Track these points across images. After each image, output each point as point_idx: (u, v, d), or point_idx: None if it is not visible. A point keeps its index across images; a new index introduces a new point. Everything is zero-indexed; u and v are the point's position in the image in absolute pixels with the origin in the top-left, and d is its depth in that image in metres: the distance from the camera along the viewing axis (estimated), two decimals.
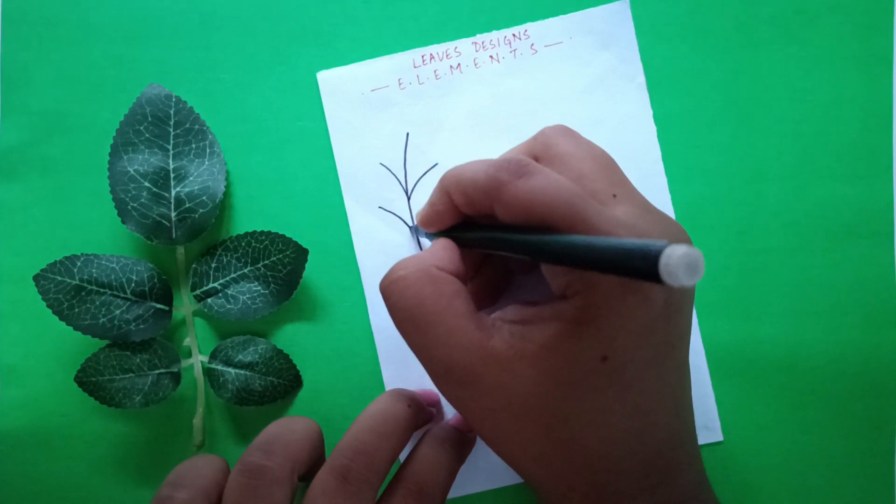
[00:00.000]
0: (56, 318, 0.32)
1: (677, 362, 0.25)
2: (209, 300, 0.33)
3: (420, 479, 0.26)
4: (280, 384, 0.34)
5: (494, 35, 0.35)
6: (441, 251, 0.26)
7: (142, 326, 0.32)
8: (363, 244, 0.34)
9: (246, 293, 0.33)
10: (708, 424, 0.34)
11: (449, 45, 0.35)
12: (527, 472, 0.26)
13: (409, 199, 0.35)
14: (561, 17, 0.34)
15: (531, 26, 0.34)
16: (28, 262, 0.34)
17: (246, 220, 0.35)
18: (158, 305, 0.33)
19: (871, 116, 0.34)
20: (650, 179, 0.34)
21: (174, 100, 0.33)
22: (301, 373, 0.34)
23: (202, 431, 0.33)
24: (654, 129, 0.34)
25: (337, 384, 0.34)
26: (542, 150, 0.26)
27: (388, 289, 0.26)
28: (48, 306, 0.31)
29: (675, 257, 0.15)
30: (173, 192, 0.33)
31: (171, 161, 0.33)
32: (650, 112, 0.34)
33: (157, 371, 0.33)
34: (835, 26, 0.34)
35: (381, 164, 0.35)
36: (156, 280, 0.33)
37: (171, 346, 0.34)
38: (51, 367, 0.34)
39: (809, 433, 0.33)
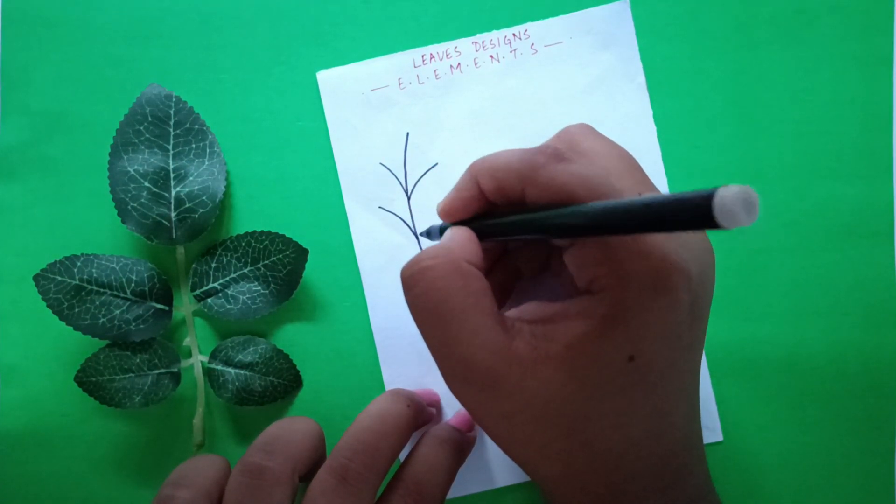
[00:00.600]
0: (56, 318, 0.32)
1: (693, 366, 0.25)
2: (209, 300, 0.33)
3: (419, 480, 0.26)
4: (280, 384, 0.34)
5: (494, 35, 0.35)
6: (467, 243, 0.25)
7: (142, 326, 0.32)
8: (363, 244, 0.34)
9: (246, 293, 0.33)
10: (708, 424, 0.34)
11: (449, 45, 0.35)
12: (540, 473, 0.25)
13: (409, 199, 0.35)
14: (561, 17, 0.34)
15: (531, 26, 0.34)
16: (28, 262, 0.34)
17: (246, 220, 0.35)
18: (158, 305, 0.33)
19: (871, 116, 0.34)
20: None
21: (174, 100, 0.33)
22: (301, 373, 0.34)
23: (202, 431, 0.33)
24: (654, 129, 0.34)
25: (337, 384, 0.34)
26: (568, 146, 0.26)
27: (414, 278, 0.24)
28: (48, 306, 0.31)
29: (729, 196, 0.14)
30: (173, 192, 0.33)
31: (171, 161, 0.33)
32: (650, 112, 0.34)
33: (157, 371, 0.33)
34: (835, 26, 0.34)
35: (381, 164, 0.35)
36: (156, 280, 0.33)
37: (171, 346, 0.34)
38: (51, 367, 0.34)
39: (809, 433, 0.33)
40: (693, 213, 0.15)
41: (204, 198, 0.33)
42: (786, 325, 0.34)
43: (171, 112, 0.33)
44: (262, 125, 0.35)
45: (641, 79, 0.34)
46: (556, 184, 0.22)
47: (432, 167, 0.35)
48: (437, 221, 0.32)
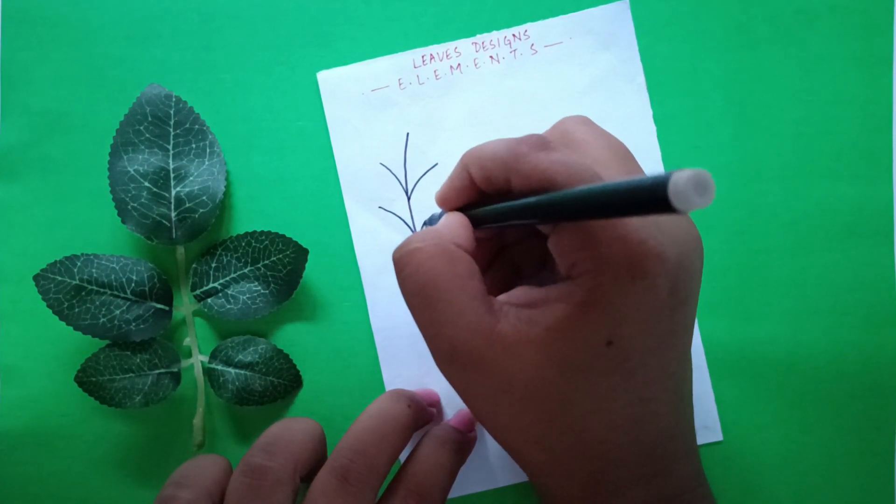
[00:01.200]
0: (56, 318, 0.32)
1: (680, 354, 0.25)
2: (209, 300, 0.33)
3: (420, 480, 0.26)
4: (280, 384, 0.34)
5: (494, 35, 0.35)
6: (458, 227, 0.26)
7: (142, 326, 0.32)
8: (363, 244, 0.34)
9: (246, 293, 0.33)
10: (708, 424, 0.34)
11: (449, 46, 0.35)
12: (527, 459, 0.26)
13: (409, 199, 0.35)
14: (561, 17, 0.34)
15: (531, 26, 0.34)
16: (28, 262, 0.34)
17: (246, 220, 0.35)
18: (158, 305, 0.33)
19: (871, 116, 0.34)
20: None
21: (174, 100, 0.33)
22: (301, 373, 0.34)
23: (202, 431, 0.33)
24: (654, 129, 0.34)
25: (337, 384, 0.34)
26: (560, 136, 0.26)
27: (403, 260, 0.25)
28: (48, 306, 0.31)
29: (682, 179, 0.15)
30: (173, 192, 0.33)
31: (171, 161, 0.33)
32: (650, 112, 0.34)
33: (157, 371, 0.33)
34: (835, 26, 0.34)
35: (381, 164, 0.35)
36: (156, 280, 0.33)
37: (171, 346, 0.34)
38: (51, 367, 0.34)
39: (809, 433, 0.34)
40: (650, 196, 0.16)
41: (204, 198, 0.33)
42: (786, 325, 0.34)
43: (171, 112, 0.33)
44: (262, 125, 0.35)
45: (641, 79, 0.34)
46: (537, 171, 0.23)
47: (432, 167, 0.35)
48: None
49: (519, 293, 0.25)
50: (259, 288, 0.33)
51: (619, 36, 0.34)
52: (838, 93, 0.34)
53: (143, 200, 0.32)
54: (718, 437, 0.34)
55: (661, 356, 0.24)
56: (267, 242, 0.33)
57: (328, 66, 0.35)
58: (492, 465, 0.34)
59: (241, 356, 0.33)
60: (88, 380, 0.32)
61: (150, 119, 0.33)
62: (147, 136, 0.33)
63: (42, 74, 0.35)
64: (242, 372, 0.33)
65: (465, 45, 0.35)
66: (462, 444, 0.29)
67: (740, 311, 0.34)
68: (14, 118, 0.35)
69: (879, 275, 0.34)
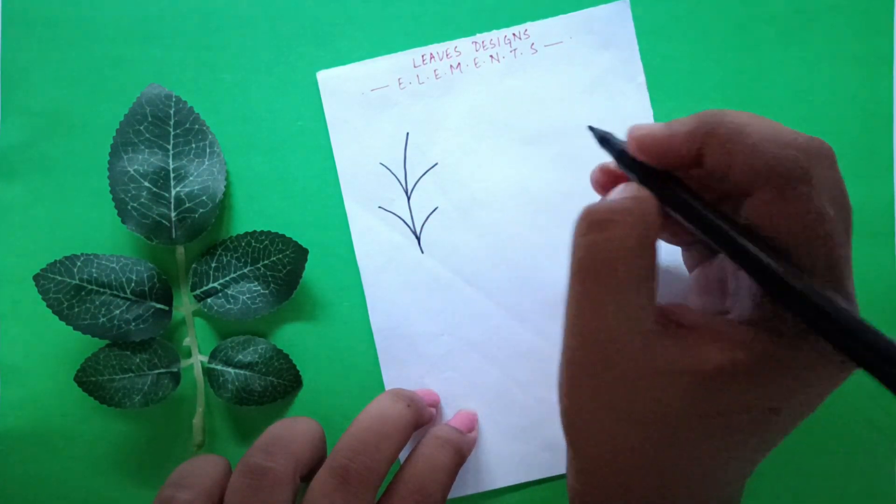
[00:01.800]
0: (56, 318, 0.32)
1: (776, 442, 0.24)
2: (209, 300, 0.33)
3: (420, 480, 0.26)
4: (280, 384, 0.34)
5: (494, 35, 0.35)
6: (654, 214, 0.23)
7: (142, 326, 0.32)
8: (363, 244, 0.34)
9: (246, 293, 0.33)
10: None
11: (449, 45, 0.35)
12: (593, 466, 0.23)
13: (408, 198, 0.35)
14: (561, 16, 0.34)
15: (531, 26, 0.34)
16: (28, 262, 0.34)
17: (246, 220, 0.35)
18: (158, 305, 0.33)
19: (871, 116, 0.34)
20: None
21: (174, 100, 0.33)
22: (301, 373, 0.34)
23: (202, 431, 0.33)
24: None
25: (337, 384, 0.34)
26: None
27: (597, 224, 0.22)
28: (48, 306, 0.31)
29: None
30: (173, 192, 0.33)
31: (171, 161, 0.33)
32: (650, 112, 0.34)
33: (156, 371, 0.33)
34: (835, 26, 0.34)
35: (381, 163, 0.35)
36: (156, 280, 0.33)
37: (171, 346, 0.34)
38: (51, 367, 0.34)
39: (809, 433, 0.33)
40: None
41: (204, 198, 0.33)
42: None
43: (171, 112, 0.33)
44: (262, 125, 0.35)
45: (641, 79, 0.34)
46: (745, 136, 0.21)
47: (432, 167, 0.35)
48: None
49: (688, 312, 0.23)
50: (259, 288, 0.33)
51: (620, 36, 0.34)
52: (838, 93, 0.34)
53: (142, 200, 0.32)
54: None
55: (766, 438, 0.23)
56: (267, 242, 0.33)
57: (328, 66, 0.35)
58: (492, 465, 0.34)
59: (240, 356, 0.33)
60: (88, 380, 0.32)
61: (150, 119, 0.33)
62: (147, 136, 0.33)
63: (42, 74, 0.35)
64: (242, 372, 0.33)
65: (465, 44, 0.35)
66: (462, 444, 0.29)
67: None
68: (14, 118, 0.35)
69: (879, 275, 0.34)
